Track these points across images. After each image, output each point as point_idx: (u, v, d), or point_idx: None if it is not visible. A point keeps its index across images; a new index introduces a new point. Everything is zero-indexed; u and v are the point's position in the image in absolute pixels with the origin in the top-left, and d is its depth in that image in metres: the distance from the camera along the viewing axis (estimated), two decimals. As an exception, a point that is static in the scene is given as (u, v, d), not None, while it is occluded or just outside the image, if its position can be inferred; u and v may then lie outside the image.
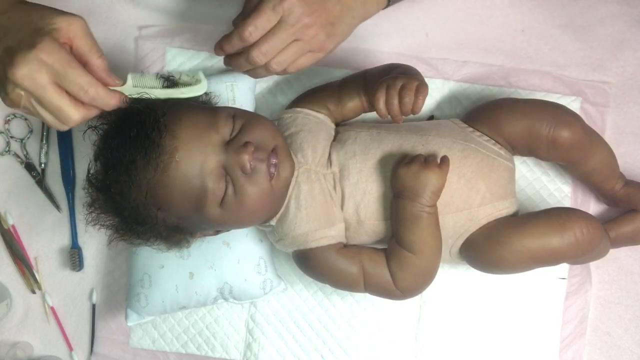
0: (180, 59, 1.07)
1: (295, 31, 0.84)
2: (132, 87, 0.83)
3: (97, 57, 0.80)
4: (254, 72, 0.89)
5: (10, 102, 0.77)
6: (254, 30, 0.82)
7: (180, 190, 0.81)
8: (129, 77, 0.84)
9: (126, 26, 1.09)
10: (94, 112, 0.81)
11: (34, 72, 0.74)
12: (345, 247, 0.92)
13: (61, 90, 0.76)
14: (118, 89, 0.81)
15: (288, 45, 0.85)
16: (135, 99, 0.83)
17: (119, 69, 1.07)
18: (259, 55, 0.84)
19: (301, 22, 0.83)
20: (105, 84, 0.79)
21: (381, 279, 0.90)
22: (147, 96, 0.83)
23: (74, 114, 0.78)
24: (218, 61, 1.07)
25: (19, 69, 0.73)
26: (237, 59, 0.87)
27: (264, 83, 1.07)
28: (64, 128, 0.80)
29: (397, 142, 0.92)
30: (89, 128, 0.88)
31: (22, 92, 0.75)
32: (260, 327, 1.05)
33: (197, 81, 0.88)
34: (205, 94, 0.90)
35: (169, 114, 0.82)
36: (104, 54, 0.80)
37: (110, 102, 0.80)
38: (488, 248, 0.91)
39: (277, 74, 0.89)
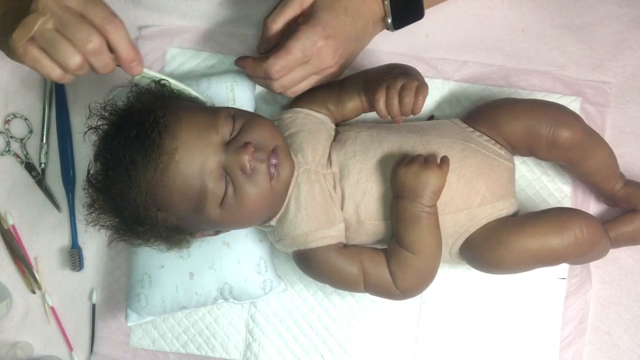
0: (180, 59, 1.07)
1: (305, 52, 0.88)
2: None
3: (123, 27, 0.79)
4: (264, 83, 0.95)
5: (23, 29, 0.74)
6: (281, 69, 0.89)
7: (180, 190, 0.81)
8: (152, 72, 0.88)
9: (126, 26, 1.08)
10: (108, 57, 0.79)
11: (40, 15, 0.74)
12: (345, 247, 0.92)
13: (85, 18, 0.75)
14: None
15: (298, 68, 0.90)
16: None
17: (119, 69, 1.08)
18: (278, 87, 0.92)
19: (324, 64, 0.90)
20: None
21: (381, 279, 0.90)
22: (160, 77, 0.89)
23: (94, 37, 0.76)
24: (218, 61, 1.07)
25: None
26: (253, 76, 0.96)
27: (264, 83, 1.07)
28: (74, 64, 0.77)
29: (397, 142, 0.92)
30: (89, 129, 0.88)
31: (40, 16, 0.74)
32: (260, 327, 1.05)
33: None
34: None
35: (169, 115, 0.82)
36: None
37: (128, 47, 0.79)
38: (488, 248, 0.91)
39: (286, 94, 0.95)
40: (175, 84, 0.90)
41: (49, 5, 0.75)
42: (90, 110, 0.88)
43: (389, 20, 0.92)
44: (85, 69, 0.79)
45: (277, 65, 0.88)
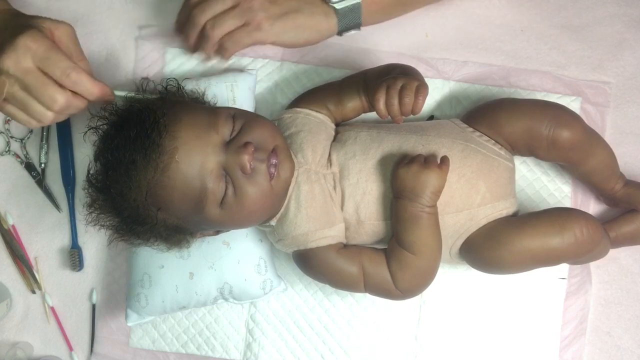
0: (180, 59, 1.07)
1: (244, 16, 0.90)
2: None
3: (79, 60, 0.85)
4: (203, 44, 0.95)
5: None
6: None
7: (180, 190, 0.81)
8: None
9: (126, 26, 1.09)
10: (78, 101, 0.84)
11: (20, 57, 0.78)
12: (345, 248, 0.92)
13: (45, 75, 0.80)
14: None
15: (224, 11, 0.91)
16: (130, 97, 0.89)
17: (119, 69, 1.08)
18: (197, 12, 0.91)
19: (253, 11, 0.90)
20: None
21: (381, 280, 0.90)
22: (131, 95, 0.89)
23: (59, 97, 0.81)
24: (218, 61, 1.07)
25: (6, 56, 0.78)
26: (187, 29, 0.95)
27: (264, 83, 1.07)
28: (48, 118, 0.83)
29: (397, 142, 0.92)
30: (89, 129, 0.88)
31: (7, 80, 0.79)
32: (260, 327, 1.05)
33: None
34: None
35: (169, 115, 0.82)
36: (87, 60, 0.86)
37: (92, 89, 0.84)
38: (488, 248, 0.91)
39: (223, 56, 0.95)
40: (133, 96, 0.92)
41: (10, 70, 0.79)
42: (90, 112, 0.88)
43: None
44: (61, 117, 0.86)
45: None
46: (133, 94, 0.92)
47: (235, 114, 0.86)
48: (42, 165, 1.09)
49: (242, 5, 0.92)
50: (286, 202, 0.90)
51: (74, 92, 0.84)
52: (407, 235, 0.87)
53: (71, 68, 0.81)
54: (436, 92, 1.05)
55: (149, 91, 0.93)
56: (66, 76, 0.80)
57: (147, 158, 0.79)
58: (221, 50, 0.96)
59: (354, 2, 0.94)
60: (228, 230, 0.95)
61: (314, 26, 0.95)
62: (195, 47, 0.98)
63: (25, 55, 0.78)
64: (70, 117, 1.08)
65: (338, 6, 0.94)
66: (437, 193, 0.86)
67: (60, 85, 0.81)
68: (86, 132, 0.89)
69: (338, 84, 0.99)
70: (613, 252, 1.01)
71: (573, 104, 1.04)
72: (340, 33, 0.97)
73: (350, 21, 0.96)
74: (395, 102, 0.84)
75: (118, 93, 0.91)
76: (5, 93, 0.80)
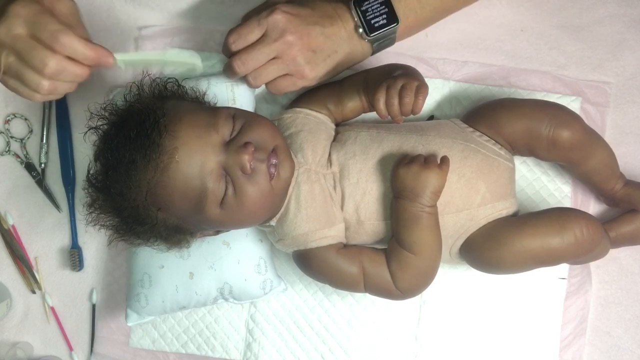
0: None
1: (276, 47, 0.88)
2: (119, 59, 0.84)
3: (80, 29, 0.81)
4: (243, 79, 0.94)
5: None
6: (237, 38, 0.88)
7: (181, 190, 0.81)
8: (115, 55, 0.84)
9: (126, 26, 1.09)
10: (73, 66, 0.80)
11: (11, 24, 0.76)
12: (345, 248, 0.92)
13: (36, 39, 0.77)
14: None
15: (268, 62, 0.89)
16: (130, 102, 0.87)
17: (119, 69, 1.07)
18: (238, 64, 0.90)
19: (283, 39, 0.88)
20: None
21: (381, 280, 0.90)
22: (135, 58, 0.86)
23: (49, 60, 0.77)
24: (218, 61, 1.07)
25: None
26: (226, 74, 0.95)
27: (264, 83, 1.07)
28: (43, 87, 0.79)
29: (397, 142, 0.92)
30: (89, 129, 0.88)
31: (2, 51, 0.77)
32: (260, 327, 1.05)
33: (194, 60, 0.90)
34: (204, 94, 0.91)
35: (169, 114, 0.82)
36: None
37: (85, 52, 0.80)
38: (488, 248, 0.91)
39: (269, 91, 0.94)
40: (148, 56, 0.88)
41: (3, 39, 0.77)
42: (90, 112, 0.88)
43: (360, 30, 0.92)
44: (61, 88, 0.81)
45: (234, 33, 0.88)
46: (136, 56, 0.87)
47: (235, 114, 0.86)
48: (42, 165, 1.09)
49: (284, 58, 0.89)
50: (286, 202, 0.90)
51: (70, 58, 0.79)
52: (407, 235, 0.87)
53: (60, 31, 0.77)
54: (436, 92, 1.05)
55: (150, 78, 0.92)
56: (55, 39, 0.76)
57: (147, 158, 0.79)
58: (256, 84, 0.94)
59: (390, 30, 0.92)
60: (228, 230, 0.95)
61: (351, 60, 0.95)
62: None
63: (16, 22, 0.76)
64: (70, 117, 1.08)
65: (375, 38, 0.93)
66: (437, 193, 0.86)
67: (53, 50, 0.77)
68: (86, 132, 0.89)
69: (338, 84, 0.99)
70: (613, 252, 1.01)
71: (573, 104, 1.04)
72: (373, 54, 0.97)
73: (385, 45, 0.96)
74: (395, 102, 0.84)
75: (119, 57, 0.85)
76: (3, 65, 0.78)
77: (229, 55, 0.92)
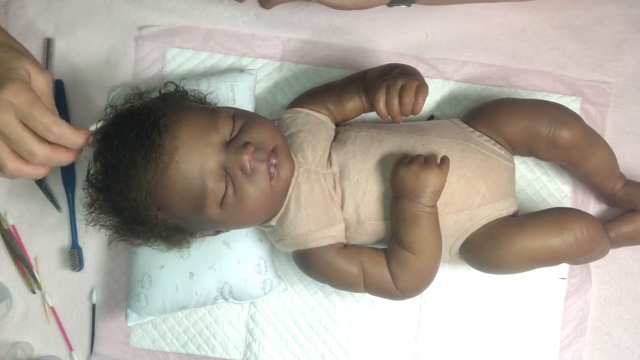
0: (180, 59, 1.07)
1: None
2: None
3: (51, 105, 0.83)
4: None
5: None
6: None
7: (180, 190, 0.81)
8: (90, 129, 0.86)
9: (126, 26, 1.09)
10: (60, 154, 0.82)
11: (3, 113, 0.77)
12: (345, 247, 0.92)
13: (26, 128, 0.79)
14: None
15: None
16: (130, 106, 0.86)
17: (119, 69, 1.08)
18: None
19: None
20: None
21: (381, 279, 0.90)
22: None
23: (38, 149, 0.79)
24: (218, 61, 1.07)
25: None
26: None
27: (264, 83, 1.07)
28: (25, 170, 0.81)
29: (397, 142, 0.92)
30: (90, 134, 0.88)
31: None
32: (260, 327, 1.05)
33: None
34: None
35: (169, 115, 0.82)
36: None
37: (76, 139, 0.82)
38: (488, 248, 0.91)
39: (264, 3, 0.88)
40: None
41: None
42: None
43: None
44: (43, 171, 0.83)
45: None
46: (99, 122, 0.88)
47: (235, 114, 0.86)
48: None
49: None
50: (286, 202, 0.90)
51: (58, 145, 0.82)
52: (407, 235, 0.87)
53: (53, 122, 0.79)
54: (436, 92, 1.05)
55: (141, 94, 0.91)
56: (48, 131, 0.79)
57: (147, 158, 0.79)
58: (263, 1, 0.89)
59: None
60: (228, 230, 0.95)
61: None
62: None
63: (6, 110, 0.77)
64: (71, 118, 1.08)
65: None
66: (437, 193, 0.86)
67: (40, 139, 0.80)
68: (89, 136, 0.89)
69: (338, 84, 0.99)
70: (613, 252, 1.01)
71: (573, 104, 1.04)
72: (390, 4, 0.93)
73: None
74: (395, 102, 0.84)
75: (95, 128, 0.87)
76: None
77: None
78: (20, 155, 0.80)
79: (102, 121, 0.86)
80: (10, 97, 0.77)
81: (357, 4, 0.90)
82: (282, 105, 1.05)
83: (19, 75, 0.80)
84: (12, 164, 0.80)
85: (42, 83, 0.82)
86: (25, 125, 0.79)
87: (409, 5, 0.94)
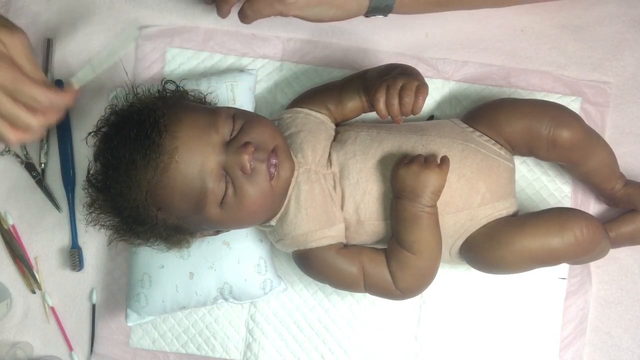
0: (180, 59, 1.07)
1: None
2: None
3: (34, 70, 0.83)
4: (220, 3, 0.91)
5: None
6: None
7: (180, 190, 0.81)
8: (73, 81, 0.87)
9: (126, 26, 1.09)
10: (52, 116, 0.84)
11: None
12: (345, 248, 0.92)
13: (17, 102, 0.80)
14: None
15: None
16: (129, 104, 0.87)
17: (119, 69, 1.08)
18: None
19: None
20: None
21: (381, 279, 0.90)
22: (94, 76, 0.86)
23: (33, 121, 0.81)
24: (218, 61, 1.07)
25: None
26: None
27: (264, 83, 1.07)
28: (26, 137, 0.83)
29: (397, 142, 0.92)
30: (89, 134, 0.88)
31: None
32: (260, 327, 1.05)
33: (129, 33, 0.88)
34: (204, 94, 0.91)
35: (169, 115, 0.82)
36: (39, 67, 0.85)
37: (64, 101, 0.83)
38: (488, 248, 0.91)
39: (242, 20, 0.91)
40: (99, 66, 0.88)
41: None
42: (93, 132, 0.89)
43: None
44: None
45: None
46: (89, 72, 0.89)
47: (235, 114, 0.86)
48: (42, 165, 1.09)
49: None
50: (286, 202, 0.90)
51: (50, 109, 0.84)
52: (407, 235, 0.87)
53: (39, 93, 0.80)
54: (436, 92, 1.05)
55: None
56: (37, 102, 0.81)
57: (147, 158, 0.79)
58: (241, 16, 0.91)
59: None
60: (228, 230, 0.95)
61: (342, 5, 0.91)
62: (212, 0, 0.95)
63: None
64: (70, 118, 1.08)
65: None
66: (437, 193, 0.86)
67: (33, 110, 0.82)
68: (87, 136, 0.89)
69: (338, 84, 0.99)
70: (613, 252, 1.01)
71: (573, 104, 1.04)
72: (367, 15, 0.95)
73: (382, 4, 0.93)
74: (395, 102, 0.84)
75: (78, 82, 0.88)
76: None
77: None
78: (19, 127, 0.81)
79: (77, 77, 0.87)
80: None
81: (334, 17, 0.92)
82: (282, 105, 1.05)
83: None
84: (14, 135, 0.82)
85: (16, 45, 0.82)
86: (15, 99, 0.80)
87: (385, 15, 0.95)
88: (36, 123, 0.82)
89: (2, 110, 0.79)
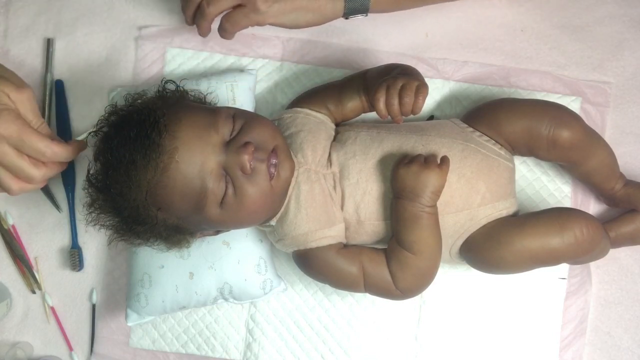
0: (180, 59, 1.07)
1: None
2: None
3: (39, 123, 0.88)
4: (197, 22, 0.94)
5: None
6: None
7: (180, 190, 0.81)
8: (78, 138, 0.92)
9: (126, 26, 1.09)
10: (55, 168, 0.89)
11: None
12: (345, 248, 0.92)
13: (21, 154, 0.84)
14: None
15: None
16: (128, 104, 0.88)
17: (119, 69, 1.08)
18: (211, 12, 0.91)
19: None
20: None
21: (381, 279, 0.90)
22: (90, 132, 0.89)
23: (36, 173, 0.86)
24: (218, 61, 1.07)
25: None
26: (185, 5, 0.95)
27: (264, 83, 1.07)
28: (28, 188, 0.87)
29: (397, 142, 0.92)
30: (89, 134, 0.88)
31: None
32: (260, 327, 1.05)
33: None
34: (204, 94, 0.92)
35: (169, 114, 0.82)
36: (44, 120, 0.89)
37: (67, 154, 0.88)
38: (488, 248, 0.91)
39: (222, 36, 0.94)
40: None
41: None
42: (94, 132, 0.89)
43: None
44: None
45: None
46: (90, 133, 0.92)
47: (235, 114, 0.86)
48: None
49: None
50: (286, 202, 0.90)
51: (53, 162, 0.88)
52: (407, 235, 0.87)
53: (44, 146, 0.84)
54: (436, 92, 1.05)
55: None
56: (42, 155, 0.85)
57: (147, 158, 0.79)
58: (221, 31, 0.95)
59: None
60: (228, 230, 0.95)
61: (317, 9, 0.93)
62: (193, 21, 0.97)
63: (1, 142, 0.82)
64: (71, 118, 1.08)
65: None
66: (437, 193, 0.86)
67: (36, 162, 0.86)
68: (87, 136, 0.89)
69: (338, 84, 0.99)
70: (613, 252, 1.01)
71: (573, 104, 1.04)
72: (346, 16, 0.96)
73: (357, 5, 0.94)
74: (395, 102, 0.84)
75: (84, 137, 0.94)
76: None
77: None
78: (22, 178, 0.86)
79: (90, 132, 0.90)
80: (2, 130, 0.82)
81: (310, 21, 0.94)
82: (282, 105, 1.05)
83: (2, 103, 0.84)
84: (17, 186, 0.86)
85: (23, 101, 0.86)
86: (20, 151, 0.84)
87: (365, 15, 0.97)
88: (39, 175, 0.85)
89: (6, 161, 0.83)
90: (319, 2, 0.93)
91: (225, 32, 0.94)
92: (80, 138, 0.92)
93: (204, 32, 0.96)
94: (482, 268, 0.95)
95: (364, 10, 0.96)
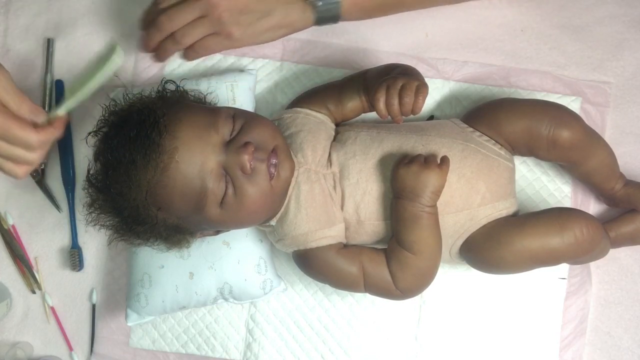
0: (180, 58, 1.07)
1: (201, 5, 0.91)
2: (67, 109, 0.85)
3: (21, 102, 0.82)
4: (164, 48, 0.97)
5: None
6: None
7: (180, 190, 0.81)
8: (57, 112, 0.85)
9: (126, 26, 1.09)
10: (48, 146, 0.84)
11: None
12: (345, 248, 0.92)
13: (12, 143, 0.81)
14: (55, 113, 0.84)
15: (194, 20, 0.92)
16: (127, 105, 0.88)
17: (119, 69, 1.07)
18: (164, 19, 0.93)
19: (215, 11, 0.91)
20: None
21: (381, 279, 0.90)
22: (82, 99, 0.84)
23: (32, 157, 0.83)
24: (218, 61, 1.07)
25: None
26: (151, 32, 0.96)
27: (264, 83, 1.07)
28: (31, 168, 0.85)
29: (397, 142, 0.92)
30: (89, 134, 0.88)
31: None
32: (260, 327, 1.05)
33: (112, 51, 0.84)
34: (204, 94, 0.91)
35: (169, 114, 0.82)
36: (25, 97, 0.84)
37: (55, 134, 0.83)
38: (488, 248, 0.91)
39: (188, 57, 0.98)
40: (87, 89, 0.85)
41: None
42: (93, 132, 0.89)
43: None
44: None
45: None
46: (74, 98, 0.86)
47: (235, 114, 0.86)
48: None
49: (211, 16, 0.93)
50: (286, 202, 0.90)
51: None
52: (407, 235, 0.87)
53: (29, 136, 0.81)
54: (436, 92, 1.05)
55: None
56: (29, 144, 0.82)
57: (147, 158, 0.80)
58: (189, 52, 0.98)
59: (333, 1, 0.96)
60: (228, 230, 0.95)
61: (289, 24, 0.97)
62: (154, 49, 1.00)
63: None
64: (70, 118, 1.08)
65: (318, 3, 0.95)
66: (437, 193, 0.86)
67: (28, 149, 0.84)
68: (87, 136, 0.89)
69: (338, 84, 0.99)
70: (613, 252, 1.01)
71: (573, 104, 1.04)
72: (318, 24, 0.99)
73: (327, 15, 0.97)
74: (395, 102, 0.84)
75: (64, 110, 0.85)
76: None
77: (146, 24, 0.95)
78: (22, 163, 0.84)
79: (64, 105, 0.85)
80: None
81: (284, 34, 0.99)
82: (282, 105, 1.05)
83: None
84: (20, 170, 0.84)
85: (3, 85, 0.82)
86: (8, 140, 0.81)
87: (336, 22, 0.99)
88: (35, 157, 0.83)
89: (2, 153, 0.81)
90: (290, 17, 0.96)
91: (195, 55, 0.97)
92: (59, 112, 0.85)
93: (165, 59, 0.99)
94: (482, 268, 0.95)
95: (334, 20, 0.99)
